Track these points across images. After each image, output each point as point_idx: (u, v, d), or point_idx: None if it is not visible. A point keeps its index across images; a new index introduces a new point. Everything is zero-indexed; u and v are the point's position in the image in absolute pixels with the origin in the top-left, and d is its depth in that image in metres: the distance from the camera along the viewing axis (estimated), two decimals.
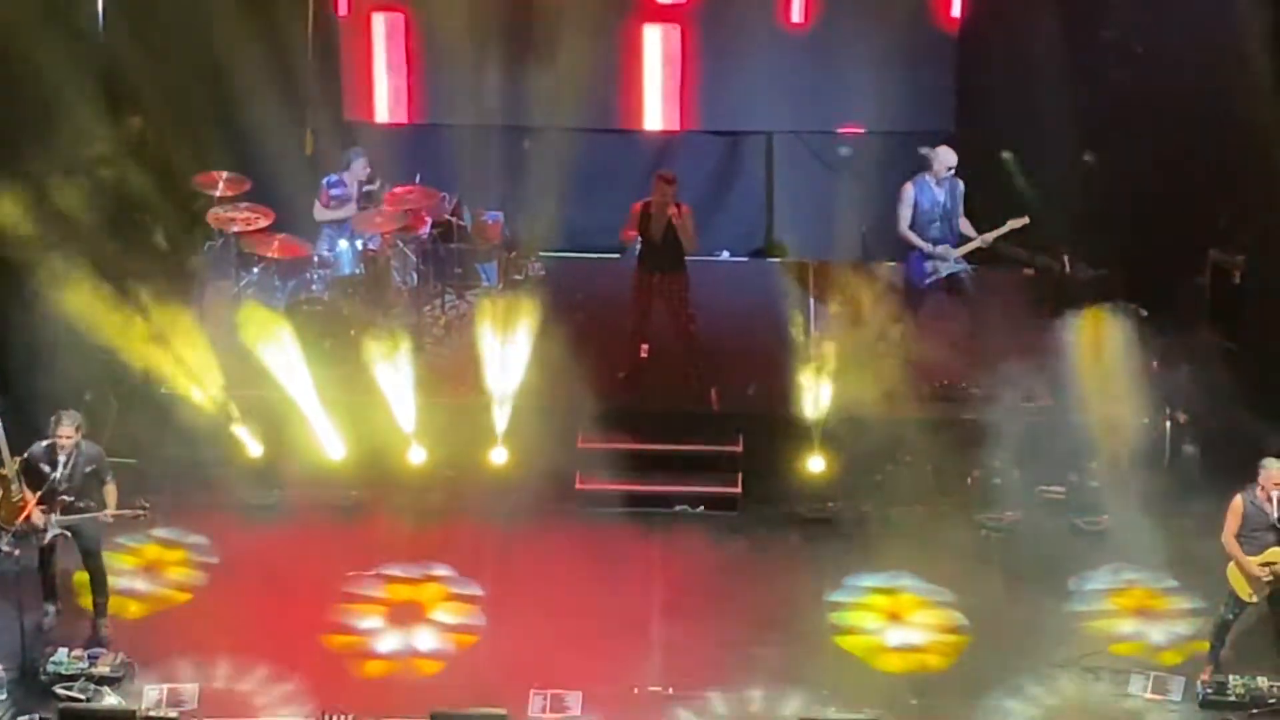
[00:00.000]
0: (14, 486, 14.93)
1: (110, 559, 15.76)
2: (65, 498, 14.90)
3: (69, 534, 15.04)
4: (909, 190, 17.69)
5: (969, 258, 17.88)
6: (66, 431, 14.87)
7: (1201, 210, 18.53)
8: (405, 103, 19.70)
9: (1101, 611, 15.94)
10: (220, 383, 16.81)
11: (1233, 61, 17.47)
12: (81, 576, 15.38)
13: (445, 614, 15.89)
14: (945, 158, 17.65)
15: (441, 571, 16.33)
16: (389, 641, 15.59)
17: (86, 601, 15.39)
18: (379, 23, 19.59)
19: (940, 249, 17.69)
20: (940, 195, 17.67)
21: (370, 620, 15.78)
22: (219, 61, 18.21)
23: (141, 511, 15.14)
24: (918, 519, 16.97)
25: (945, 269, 17.79)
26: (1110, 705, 14.86)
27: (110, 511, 15.04)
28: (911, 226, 17.68)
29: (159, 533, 16.51)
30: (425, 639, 15.63)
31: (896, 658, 15.52)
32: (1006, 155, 18.96)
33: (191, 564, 16.38)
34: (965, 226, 17.77)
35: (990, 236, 17.75)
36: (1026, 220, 17.74)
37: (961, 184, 17.72)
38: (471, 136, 18.88)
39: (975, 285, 18.01)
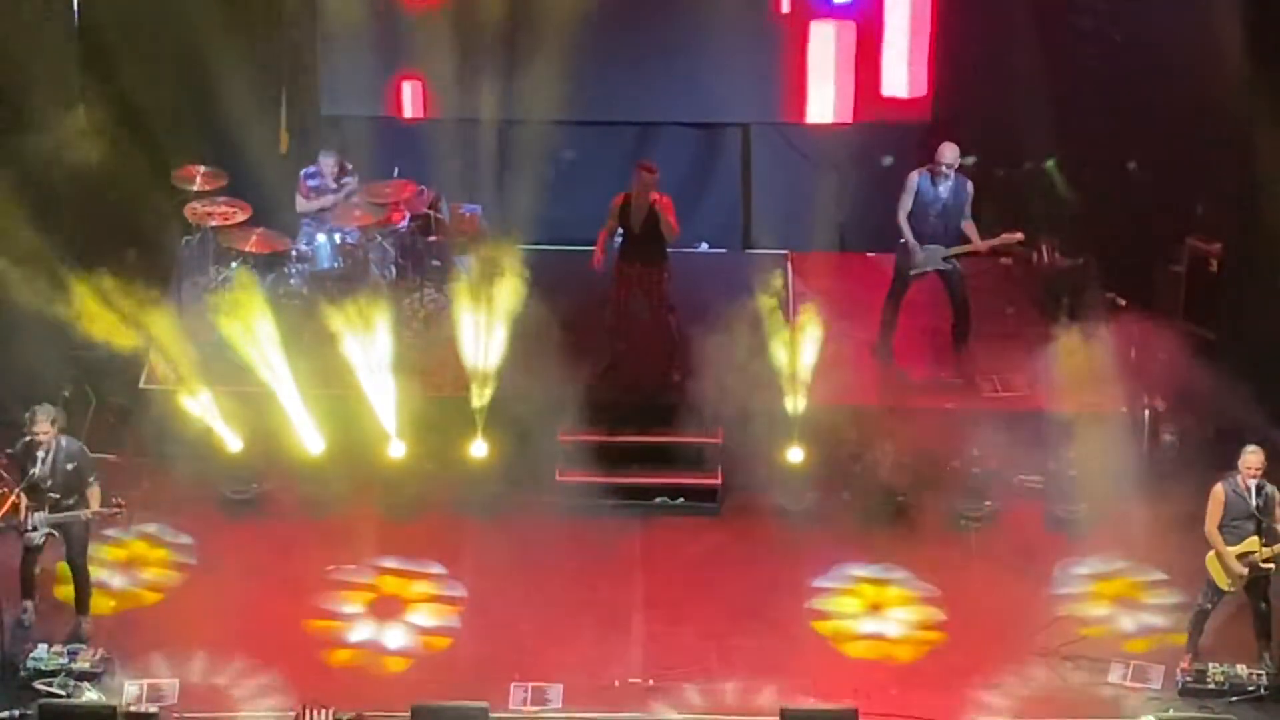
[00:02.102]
0: None
1: (95, 552, 15.71)
2: (52, 495, 14.87)
3: (55, 533, 15.01)
4: (913, 179, 17.50)
5: None
6: (43, 427, 14.84)
7: (1179, 199, 18.57)
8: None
9: (1080, 601, 15.96)
10: (199, 377, 16.77)
11: (1211, 50, 17.51)
12: (63, 571, 15.35)
13: (425, 606, 15.88)
14: (945, 154, 17.41)
15: (420, 565, 16.31)
16: (368, 633, 15.59)
17: (66, 595, 15.37)
18: None
19: (930, 247, 17.60)
20: (940, 191, 17.49)
21: (351, 611, 15.77)
22: (196, 55, 18.16)
23: (118, 509, 15.12)
24: (897, 509, 16.98)
25: (932, 265, 17.71)
26: (1089, 694, 14.89)
27: (91, 510, 15.02)
28: (910, 216, 17.63)
29: (141, 528, 16.47)
30: (405, 632, 15.62)
31: (875, 647, 15.55)
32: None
33: (171, 559, 16.34)
34: (969, 229, 17.61)
35: (984, 246, 17.61)
36: (1020, 236, 17.70)
37: (970, 185, 17.56)
38: (449, 130, 18.86)
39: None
